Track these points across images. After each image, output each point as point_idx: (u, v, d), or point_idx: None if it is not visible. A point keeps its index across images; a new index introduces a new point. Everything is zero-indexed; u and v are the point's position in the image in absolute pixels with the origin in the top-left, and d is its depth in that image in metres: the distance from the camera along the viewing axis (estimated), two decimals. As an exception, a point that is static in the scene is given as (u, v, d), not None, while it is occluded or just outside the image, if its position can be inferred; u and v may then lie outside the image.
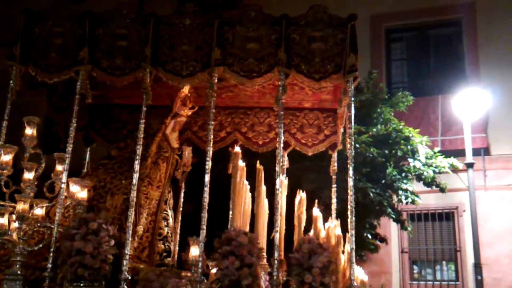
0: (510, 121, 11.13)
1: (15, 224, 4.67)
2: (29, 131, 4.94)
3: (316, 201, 5.38)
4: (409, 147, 9.04)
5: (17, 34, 5.19)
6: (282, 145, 4.99)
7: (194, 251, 4.77)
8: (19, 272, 4.44)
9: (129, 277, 4.43)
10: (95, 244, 4.33)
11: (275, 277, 4.42)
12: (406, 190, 8.96)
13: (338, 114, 6.47)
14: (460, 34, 12.90)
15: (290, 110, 6.69)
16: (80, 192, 4.80)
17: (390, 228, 10.68)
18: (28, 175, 4.92)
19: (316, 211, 5.11)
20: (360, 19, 5.26)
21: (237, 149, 5.67)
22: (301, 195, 5.09)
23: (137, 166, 4.76)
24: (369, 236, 9.09)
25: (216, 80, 4.99)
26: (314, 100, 6.54)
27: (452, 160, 9.27)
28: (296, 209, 5.09)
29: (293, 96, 6.39)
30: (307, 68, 5.03)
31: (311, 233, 5.06)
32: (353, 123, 5.00)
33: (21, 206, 4.48)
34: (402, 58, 13.88)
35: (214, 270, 4.65)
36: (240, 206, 5.05)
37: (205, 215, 4.62)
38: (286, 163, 6.55)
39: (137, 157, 4.80)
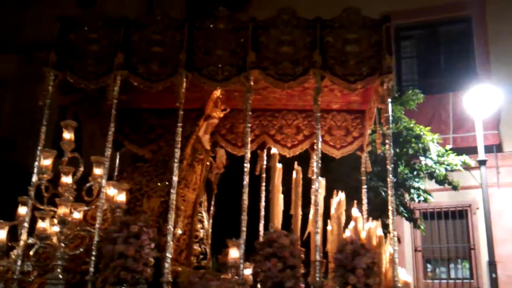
0: None
1: (54, 228, 4.72)
2: (67, 135, 5.00)
3: (355, 202, 5.37)
4: (420, 145, 8.97)
5: (52, 41, 5.25)
6: (320, 146, 4.98)
7: (234, 253, 4.75)
8: (60, 276, 4.48)
9: (171, 280, 4.45)
10: (137, 247, 4.37)
11: (317, 279, 4.41)
12: (418, 189, 8.87)
13: (367, 115, 6.50)
14: (470, 31, 12.77)
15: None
16: (118, 195, 4.84)
17: (403, 227, 10.53)
18: (66, 179, 4.96)
19: (356, 212, 5.11)
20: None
21: (274, 150, 5.68)
22: (340, 196, 5.09)
23: (176, 169, 4.79)
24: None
25: (252, 83, 5.02)
26: (342, 102, 6.52)
27: (464, 158, 9.16)
28: (334, 210, 5.08)
29: (322, 97, 6.38)
30: (342, 71, 5.04)
31: (345, 233, 5.07)
32: (390, 124, 4.98)
33: (62, 210, 4.52)
34: (412, 56, 13.72)
35: (248, 271, 4.65)
36: (278, 207, 5.05)
37: (245, 217, 4.63)
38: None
39: (176, 160, 4.83)
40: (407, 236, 10.91)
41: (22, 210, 4.97)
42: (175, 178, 4.76)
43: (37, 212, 4.61)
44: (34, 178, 4.80)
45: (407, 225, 10.47)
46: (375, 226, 4.86)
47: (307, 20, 5.24)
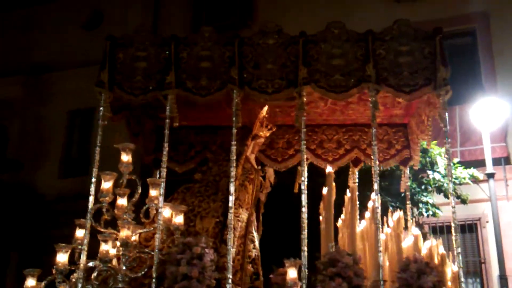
0: None
1: (111, 251, 4.77)
2: (125, 157, 5.03)
3: (414, 219, 5.38)
4: (427, 159, 8.96)
5: (103, 61, 5.31)
6: (377, 162, 5.00)
7: (292, 273, 4.78)
8: (122, 299, 4.54)
9: (233, 301, 4.49)
10: (200, 268, 4.41)
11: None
12: (426, 203, 8.91)
13: (411, 129, 6.50)
14: (475, 44, 12.70)
15: (359, 126, 6.76)
16: (176, 217, 4.89)
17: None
18: (122, 201, 5.01)
19: (416, 230, 5.11)
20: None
21: (329, 169, 5.69)
22: (399, 214, 5.09)
23: (232, 189, 4.82)
24: None
25: (305, 100, 5.05)
26: (384, 116, 6.51)
27: (472, 171, 9.21)
28: (393, 228, 5.07)
29: (364, 112, 6.41)
30: (396, 82, 5.04)
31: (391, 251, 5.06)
32: (447, 138, 4.99)
33: (124, 233, 4.57)
34: (417, 69, 13.74)
35: None
36: (332, 225, 5.07)
37: (304, 236, 4.64)
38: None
39: (232, 179, 4.86)
40: None
41: (80, 233, 5.03)
42: (231, 198, 4.78)
43: (100, 235, 4.66)
44: (91, 201, 4.81)
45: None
46: (436, 244, 4.85)
47: (357, 33, 5.24)
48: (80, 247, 4.90)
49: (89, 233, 4.72)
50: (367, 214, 5.37)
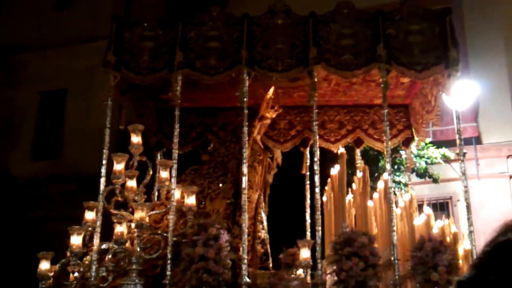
0: (500, 110, 11.04)
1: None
2: (135, 139, 4.99)
3: (425, 199, 5.47)
4: None
5: (109, 41, 5.25)
6: (388, 142, 5.06)
7: (305, 253, 4.86)
8: (137, 280, 4.55)
9: (249, 281, 4.54)
10: (216, 249, 4.44)
11: (396, 277, 4.51)
12: (399, 182, 8.91)
13: (415, 109, 6.57)
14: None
15: (360, 107, 6.79)
16: (188, 198, 4.90)
17: None
18: (131, 183, 5.00)
19: (427, 209, 5.21)
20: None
21: (342, 149, 5.73)
22: (411, 194, 5.17)
23: (245, 170, 4.85)
24: None
25: (316, 79, 5.07)
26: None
27: (444, 151, 9.32)
28: (404, 208, 5.15)
29: (366, 93, 6.47)
30: (408, 60, 5.09)
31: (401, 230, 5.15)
32: (460, 119, 5.06)
33: (139, 215, 4.56)
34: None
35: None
36: (344, 205, 5.13)
37: (319, 216, 4.70)
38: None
39: (244, 161, 4.89)
40: None
41: (89, 215, 5.02)
42: (244, 179, 4.82)
43: (115, 217, 4.66)
44: (103, 183, 4.80)
45: None
46: (448, 223, 4.95)
47: (368, 13, 5.27)
48: (90, 229, 4.92)
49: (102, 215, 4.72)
50: (375, 195, 5.44)
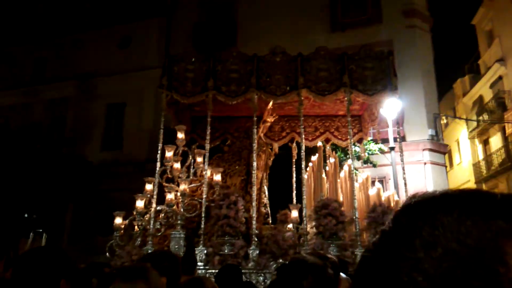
0: (417, 118, 10.89)
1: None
2: (180, 135, 4.81)
3: (377, 177, 5.29)
4: None
5: (163, 71, 5.08)
6: (352, 139, 4.86)
7: (294, 213, 4.65)
8: (180, 231, 4.35)
9: (258, 232, 4.34)
10: (235, 211, 4.27)
11: (357, 230, 4.32)
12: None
13: (364, 119, 6.40)
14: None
15: (329, 117, 6.62)
16: (216, 175, 4.71)
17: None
18: (177, 165, 4.80)
19: (378, 184, 5.02)
20: None
21: (319, 143, 5.54)
22: (367, 174, 4.98)
23: (254, 156, 4.67)
24: None
25: (302, 98, 4.91)
26: (345, 110, 6.37)
27: (380, 145, 9.11)
28: (362, 184, 4.97)
29: (333, 107, 6.31)
30: (363, 87, 4.95)
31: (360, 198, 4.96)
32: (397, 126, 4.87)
33: (183, 187, 4.38)
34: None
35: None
36: (320, 181, 4.93)
37: (304, 189, 4.52)
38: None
39: (254, 151, 4.72)
40: None
41: (148, 186, 4.81)
42: (254, 164, 4.64)
43: (166, 188, 4.46)
44: (158, 166, 4.60)
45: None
46: (392, 194, 4.76)
47: (337, 54, 5.12)
48: (148, 196, 4.71)
49: (157, 187, 4.51)
50: (342, 174, 5.24)
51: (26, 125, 12.95)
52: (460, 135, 19.31)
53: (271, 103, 5.70)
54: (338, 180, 5.15)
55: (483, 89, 17.87)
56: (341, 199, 4.84)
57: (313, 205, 4.46)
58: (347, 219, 4.35)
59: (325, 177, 5.27)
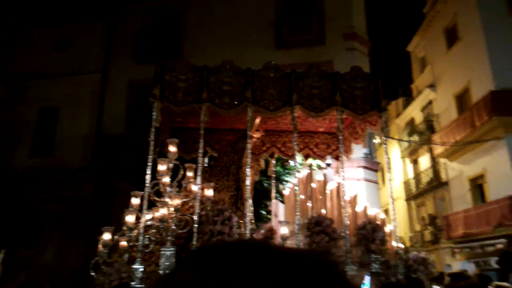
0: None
1: (157, 214, 4.63)
2: (172, 148, 4.87)
3: (356, 195, 5.65)
4: None
5: (154, 80, 5.16)
6: (330, 155, 5.20)
7: (284, 230, 4.86)
8: (171, 247, 4.43)
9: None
10: (229, 227, 4.41)
11: (348, 247, 4.63)
12: (287, 181, 8.95)
13: (345, 136, 6.79)
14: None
15: (309, 133, 6.93)
16: (207, 191, 4.84)
17: (278, 206, 9.81)
18: (166, 179, 4.87)
19: (365, 201, 5.38)
20: None
21: (310, 161, 5.81)
22: (356, 193, 5.33)
23: (248, 172, 4.86)
24: (264, 212, 8.82)
25: (295, 114, 5.19)
26: (326, 127, 6.74)
27: (318, 162, 9.21)
28: (351, 201, 5.30)
29: (315, 124, 6.65)
30: (353, 106, 5.29)
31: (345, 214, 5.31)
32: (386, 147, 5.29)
33: (176, 202, 4.46)
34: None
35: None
36: (318, 200, 5.20)
37: (298, 204, 4.77)
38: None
39: (248, 167, 4.91)
40: (281, 212, 10.24)
41: (135, 201, 4.85)
42: (248, 179, 4.83)
43: (159, 203, 4.52)
44: (148, 179, 4.66)
45: (281, 205, 9.85)
46: (378, 212, 5.14)
47: (329, 73, 5.46)
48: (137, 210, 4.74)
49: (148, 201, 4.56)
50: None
51: None
52: (393, 154, 20.75)
53: (258, 119, 5.95)
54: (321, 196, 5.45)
55: (415, 111, 19.56)
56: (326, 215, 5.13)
57: (301, 222, 4.72)
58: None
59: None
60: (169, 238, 4.44)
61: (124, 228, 4.45)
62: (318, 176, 6.30)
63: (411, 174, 19.98)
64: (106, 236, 4.40)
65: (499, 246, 11.96)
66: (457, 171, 15.60)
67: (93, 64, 13.58)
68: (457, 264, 14.14)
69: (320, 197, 5.56)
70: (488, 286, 3.72)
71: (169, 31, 13.69)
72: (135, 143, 10.73)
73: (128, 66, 13.36)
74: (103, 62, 13.60)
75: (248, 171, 4.85)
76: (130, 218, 4.42)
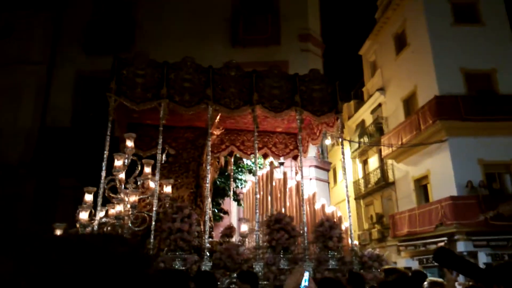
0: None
1: (112, 211, 4.54)
2: (129, 143, 4.78)
3: (314, 193, 5.86)
4: None
5: (111, 74, 5.03)
6: (288, 155, 5.38)
7: (244, 227, 4.98)
8: (128, 246, 4.35)
9: (209, 246, 4.57)
10: (189, 224, 4.42)
11: (306, 243, 4.81)
12: (241, 180, 9.04)
13: (303, 137, 7.02)
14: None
15: (267, 133, 7.10)
16: (166, 187, 4.81)
17: (230, 204, 9.64)
18: (122, 175, 4.79)
19: (323, 200, 5.60)
20: None
21: (272, 160, 5.91)
22: (314, 191, 5.52)
23: (208, 168, 4.90)
24: (216, 211, 8.64)
25: (257, 113, 5.30)
26: (284, 127, 6.93)
27: (271, 160, 9.57)
28: (309, 200, 5.50)
29: (273, 124, 6.83)
30: (312, 108, 5.50)
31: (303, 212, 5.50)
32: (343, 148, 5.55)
33: (133, 198, 4.39)
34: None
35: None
36: (268, 195, 5.33)
37: (257, 201, 4.88)
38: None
39: (208, 164, 4.94)
40: (233, 210, 10.05)
41: (88, 197, 4.71)
42: (208, 176, 4.87)
43: (115, 200, 4.43)
44: (103, 175, 4.55)
45: (234, 204, 9.86)
46: (335, 210, 5.37)
47: (289, 74, 5.63)
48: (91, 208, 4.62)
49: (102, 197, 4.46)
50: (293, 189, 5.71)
51: None
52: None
53: (218, 116, 5.99)
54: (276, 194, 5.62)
55: (365, 114, 20.70)
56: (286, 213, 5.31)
57: (261, 219, 4.84)
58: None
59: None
60: (125, 235, 4.37)
61: (78, 225, 4.31)
62: (277, 174, 6.48)
63: (360, 174, 20.91)
64: (58, 233, 4.24)
65: (440, 244, 12.87)
66: (403, 171, 16.55)
67: (37, 54, 12.83)
68: (402, 261, 15.00)
69: (279, 195, 5.71)
70: (424, 283, 4.05)
71: (121, 21, 13.26)
72: (81, 137, 10.32)
73: (76, 56, 12.75)
74: (49, 51, 12.95)
75: (208, 168, 4.86)
76: (83, 215, 4.29)
